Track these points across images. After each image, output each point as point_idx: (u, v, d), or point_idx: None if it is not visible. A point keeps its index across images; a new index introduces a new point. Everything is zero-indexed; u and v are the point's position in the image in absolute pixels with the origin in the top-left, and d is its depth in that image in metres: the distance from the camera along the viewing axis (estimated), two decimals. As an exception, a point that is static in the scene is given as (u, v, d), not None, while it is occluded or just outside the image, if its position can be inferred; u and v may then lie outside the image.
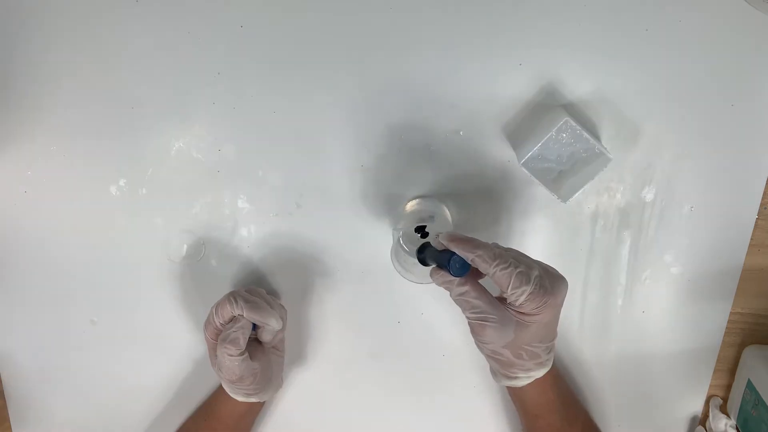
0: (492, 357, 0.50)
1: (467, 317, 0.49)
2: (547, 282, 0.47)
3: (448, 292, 0.49)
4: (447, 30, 0.55)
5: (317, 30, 0.55)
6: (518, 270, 0.46)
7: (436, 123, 0.57)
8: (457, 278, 0.48)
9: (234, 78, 0.57)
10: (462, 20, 0.54)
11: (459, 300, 0.48)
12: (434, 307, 0.63)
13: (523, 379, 0.52)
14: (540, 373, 0.52)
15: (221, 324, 0.56)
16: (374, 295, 0.63)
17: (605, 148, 0.51)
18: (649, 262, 0.60)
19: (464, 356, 0.64)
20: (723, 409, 0.64)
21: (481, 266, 0.47)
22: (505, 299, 0.48)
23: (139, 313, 0.65)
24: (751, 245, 0.59)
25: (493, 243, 0.49)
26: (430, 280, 0.53)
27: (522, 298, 0.46)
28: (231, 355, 0.54)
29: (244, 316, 0.55)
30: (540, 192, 0.58)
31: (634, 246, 0.59)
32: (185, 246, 0.62)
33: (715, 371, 0.63)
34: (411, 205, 0.58)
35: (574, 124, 0.50)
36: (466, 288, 0.48)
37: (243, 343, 0.54)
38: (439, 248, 0.49)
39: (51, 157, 0.60)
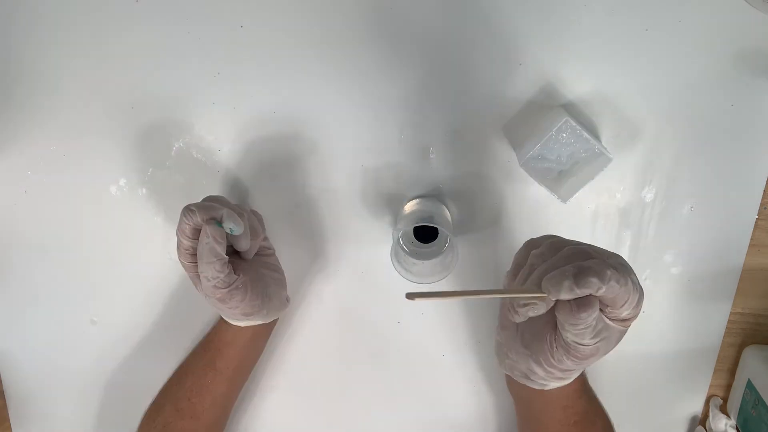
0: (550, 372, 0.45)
1: (579, 343, 0.42)
2: (634, 275, 0.41)
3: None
4: (447, 30, 0.55)
5: (317, 30, 0.55)
6: (630, 280, 0.40)
7: (436, 123, 0.57)
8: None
9: (234, 78, 0.57)
10: (462, 20, 0.54)
11: (581, 330, 0.41)
12: (434, 307, 0.63)
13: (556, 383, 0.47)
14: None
15: (190, 241, 0.50)
16: (374, 295, 0.63)
17: (605, 148, 0.51)
18: (649, 262, 0.60)
19: (464, 356, 0.64)
20: (723, 409, 0.64)
21: (609, 293, 0.40)
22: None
23: (140, 313, 0.65)
24: (751, 245, 0.59)
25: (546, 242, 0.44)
26: (430, 280, 0.53)
27: (630, 309, 0.40)
28: (215, 269, 0.49)
29: (202, 220, 0.49)
30: (540, 192, 0.58)
31: (634, 246, 0.59)
32: (185, 246, 0.62)
33: (715, 371, 0.63)
34: (411, 205, 0.58)
35: (574, 124, 0.50)
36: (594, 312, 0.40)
37: (221, 250, 0.49)
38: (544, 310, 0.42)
39: (51, 157, 0.60)
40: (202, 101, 0.58)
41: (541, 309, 0.42)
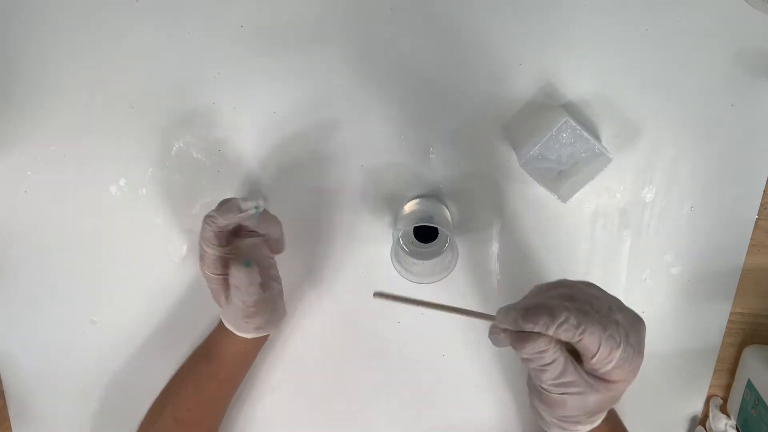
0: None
1: (543, 388, 0.41)
2: (633, 337, 0.39)
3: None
4: (447, 30, 0.55)
5: (317, 30, 0.55)
6: (608, 333, 0.39)
7: (436, 123, 0.57)
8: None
9: (234, 78, 0.57)
10: (462, 20, 0.54)
11: (536, 368, 0.40)
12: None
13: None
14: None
15: (214, 249, 0.52)
16: (374, 295, 0.63)
17: (605, 148, 0.51)
18: (649, 262, 0.60)
19: (464, 356, 0.64)
20: (723, 409, 0.64)
21: (564, 337, 0.39)
22: (579, 358, 0.41)
23: (140, 313, 0.65)
24: (751, 245, 0.59)
25: (547, 287, 0.42)
26: (430, 280, 0.53)
27: (610, 366, 0.39)
28: (254, 295, 0.51)
29: (224, 220, 0.51)
30: (540, 192, 0.58)
31: (634, 246, 0.59)
32: (185, 246, 0.62)
33: (715, 371, 0.63)
34: (411, 205, 0.58)
35: (574, 124, 0.50)
36: (546, 348, 0.39)
37: (258, 281, 0.51)
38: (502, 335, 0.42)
39: (51, 157, 0.60)
40: (202, 101, 0.58)
41: (501, 341, 0.42)
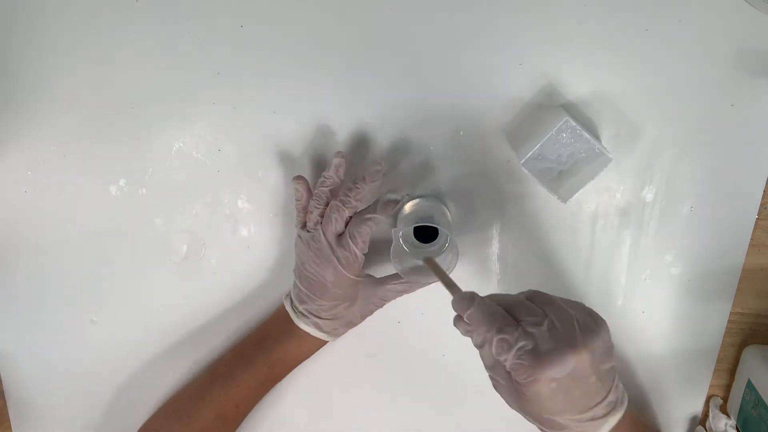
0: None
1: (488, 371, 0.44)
2: (552, 344, 0.39)
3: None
4: (447, 30, 0.55)
5: (317, 30, 0.55)
6: (499, 337, 0.40)
7: (436, 123, 0.57)
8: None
9: (234, 78, 0.57)
10: (462, 20, 0.54)
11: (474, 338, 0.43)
12: (434, 307, 0.62)
13: None
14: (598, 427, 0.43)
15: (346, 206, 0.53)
16: (374, 295, 0.63)
17: (605, 148, 0.51)
18: (649, 262, 0.60)
19: (464, 356, 0.64)
20: (723, 409, 0.64)
21: (464, 328, 0.44)
22: None
23: (139, 313, 0.65)
24: (751, 245, 0.59)
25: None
26: (430, 280, 0.53)
27: (508, 365, 0.41)
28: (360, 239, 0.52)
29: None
30: (540, 192, 0.58)
31: (634, 246, 0.59)
32: (185, 246, 0.62)
33: (715, 371, 0.63)
34: (411, 205, 0.58)
35: (574, 124, 0.50)
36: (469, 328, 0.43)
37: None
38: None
39: (51, 157, 0.60)
40: (202, 101, 0.58)
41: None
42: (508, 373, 0.41)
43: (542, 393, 0.40)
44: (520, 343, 0.40)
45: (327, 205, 0.54)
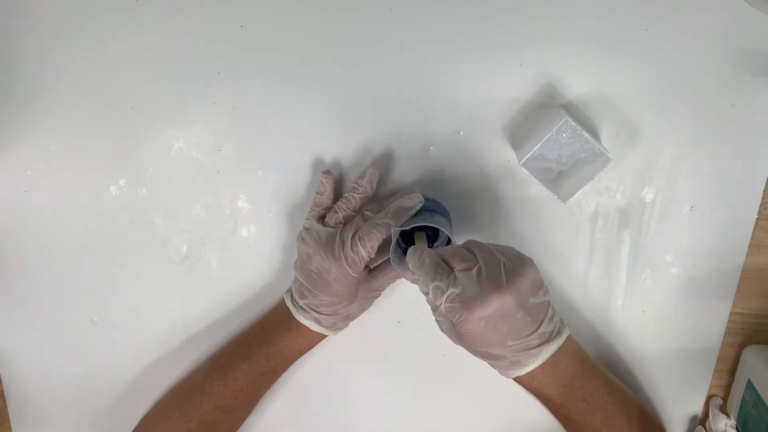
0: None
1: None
2: (477, 288, 0.44)
3: None
4: (447, 30, 0.55)
5: (317, 30, 0.55)
6: (434, 284, 0.45)
7: (436, 123, 0.57)
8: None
9: (234, 78, 0.57)
10: (462, 20, 0.54)
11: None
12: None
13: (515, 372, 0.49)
14: (533, 357, 0.48)
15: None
16: (374, 295, 0.63)
17: (605, 148, 0.51)
18: (649, 262, 0.60)
19: (464, 356, 0.64)
20: (723, 409, 0.64)
21: (410, 275, 0.49)
22: None
23: (139, 313, 0.65)
24: (751, 245, 0.59)
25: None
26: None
27: (443, 308, 0.46)
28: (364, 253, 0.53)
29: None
30: (540, 192, 0.58)
31: (634, 246, 0.59)
32: (185, 246, 0.62)
33: (715, 371, 0.63)
34: (411, 205, 0.58)
35: (574, 124, 0.50)
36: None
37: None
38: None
39: (51, 157, 0.60)
40: (202, 101, 0.58)
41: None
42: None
43: (473, 330, 0.45)
44: (450, 290, 0.45)
45: (354, 209, 0.56)
